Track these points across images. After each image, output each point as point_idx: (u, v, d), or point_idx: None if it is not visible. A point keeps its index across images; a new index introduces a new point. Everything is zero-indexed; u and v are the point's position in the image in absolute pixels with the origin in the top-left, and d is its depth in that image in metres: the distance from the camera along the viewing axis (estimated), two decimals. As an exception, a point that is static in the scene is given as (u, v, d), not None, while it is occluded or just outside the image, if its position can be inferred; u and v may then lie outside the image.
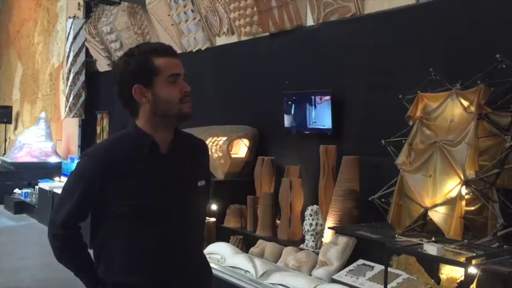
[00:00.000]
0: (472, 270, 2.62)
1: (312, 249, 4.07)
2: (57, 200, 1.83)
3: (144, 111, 1.78)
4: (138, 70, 1.74)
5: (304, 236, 4.21)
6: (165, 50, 1.78)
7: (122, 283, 1.77)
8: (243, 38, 5.96)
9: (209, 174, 2.09)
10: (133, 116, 1.81)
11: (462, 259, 2.66)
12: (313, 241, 4.11)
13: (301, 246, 4.18)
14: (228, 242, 4.60)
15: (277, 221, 4.72)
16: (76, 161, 8.64)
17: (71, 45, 9.76)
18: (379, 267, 3.42)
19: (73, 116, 10.00)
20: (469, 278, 2.63)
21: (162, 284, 1.78)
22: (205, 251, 2.09)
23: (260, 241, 4.52)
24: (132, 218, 1.75)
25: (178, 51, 6.56)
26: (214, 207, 5.01)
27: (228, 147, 5.36)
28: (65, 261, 1.81)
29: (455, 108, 3.35)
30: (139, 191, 1.74)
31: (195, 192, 1.87)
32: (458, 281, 2.84)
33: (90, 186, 1.73)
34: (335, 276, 3.57)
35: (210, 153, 2.16)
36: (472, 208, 3.18)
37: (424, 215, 3.29)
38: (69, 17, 10.04)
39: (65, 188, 1.82)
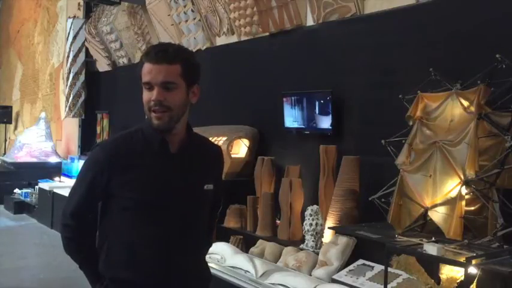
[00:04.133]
0: (472, 270, 2.62)
1: (312, 249, 4.07)
2: (70, 190, 1.88)
3: None
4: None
5: (304, 236, 4.21)
6: (149, 55, 1.75)
7: (119, 278, 1.79)
8: (243, 38, 5.96)
9: (220, 180, 2.07)
10: None
11: (462, 259, 2.66)
12: (313, 241, 4.11)
13: (301, 246, 4.19)
14: (228, 242, 4.60)
15: (277, 221, 4.72)
16: (76, 161, 8.66)
17: (71, 45, 9.77)
18: (379, 267, 3.42)
19: (73, 116, 10.01)
20: (469, 278, 2.63)
21: (157, 281, 1.80)
22: (207, 253, 2.09)
23: (260, 241, 4.52)
24: (132, 213, 1.78)
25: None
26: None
27: (228, 147, 5.35)
28: (71, 252, 1.85)
29: (455, 108, 3.35)
30: (142, 186, 1.77)
31: (199, 195, 1.88)
32: (458, 281, 2.84)
33: (99, 177, 1.77)
34: (335, 276, 3.57)
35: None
36: (472, 208, 3.17)
37: (424, 215, 3.29)
38: (69, 17, 10.04)
39: (77, 178, 1.87)
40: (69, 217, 1.81)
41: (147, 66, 1.74)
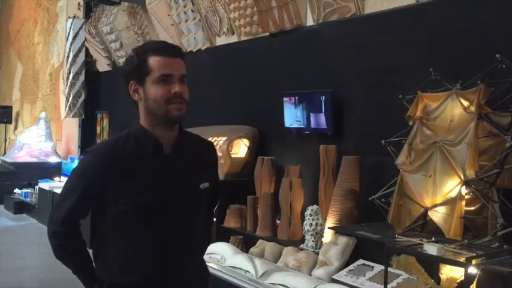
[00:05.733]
0: (472, 270, 2.62)
1: (312, 249, 4.07)
2: (59, 196, 1.83)
3: (141, 108, 1.81)
4: (134, 67, 1.77)
5: (304, 236, 4.21)
6: (162, 49, 1.76)
7: (118, 283, 1.77)
8: (243, 38, 5.96)
9: (216, 176, 2.06)
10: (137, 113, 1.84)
11: (462, 259, 2.66)
12: (313, 241, 4.10)
13: (301, 246, 4.18)
14: (228, 242, 4.60)
15: (277, 221, 4.72)
16: (76, 161, 8.65)
17: (71, 45, 9.76)
18: (379, 267, 3.42)
19: (73, 116, 10.00)
20: (469, 278, 2.63)
21: (158, 285, 1.78)
22: (206, 251, 2.08)
23: (260, 241, 4.52)
24: (130, 217, 1.75)
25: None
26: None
27: (228, 147, 5.36)
28: (63, 259, 1.82)
29: (455, 108, 3.35)
30: (139, 190, 1.74)
31: (196, 195, 1.86)
32: (458, 281, 2.84)
33: (92, 184, 1.74)
34: (335, 276, 3.57)
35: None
36: (472, 208, 3.17)
37: (424, 215, 3.29)
38: (69, 17, 10.04)
39: (66, 185, 1.82)
40: (59, 224, 1.77)
41: (162, 60, 1.73)
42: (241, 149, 5.55)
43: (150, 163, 1.78)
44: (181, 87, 1.74)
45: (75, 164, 8.52)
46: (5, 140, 12.98)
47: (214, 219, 4.93)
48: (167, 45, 1.81)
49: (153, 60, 1.73)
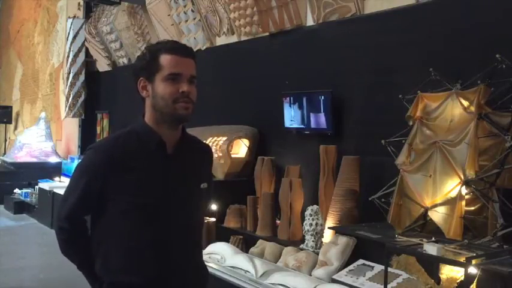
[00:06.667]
0: (472, 270, 2.62)
1: (312, 249, 4.07)
2: (64, 192, 1.86)
3: (147, 105, 1.81)
4: (145, 64, 1.78)
5: (304, 236, 4.21)
6: (174, 48, 1.77)
7: (118, 282, 1.77)
8: (243, 38, 5.96)
9: (211, 177, 2.10)
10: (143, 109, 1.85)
11: (462, 259, 2.66)
12: (313, 241, 4.10)
13: (301, 246, 4.18)
14: (228, 242, 4.59)
15: (277, 221, 4.72)
16: (76, 161, 8.66)
17: (71, 45, 9.77)
18: (379, 267, 3.42)
19: (73, 116, 10.01)
20: (469, 278, 2.63)
21: (157, 284, 1.78)
22: (205, 251, 2.10)
23: (260, 241, 4.52)
24: (131, 216, 1.75)
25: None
26: (214, 207, 5.00)
27: (228, 147, 5.35)
28: (69, 254, 1.83)
29: (455, 108, 3.35)
30: (141, 189, 1.75)
31: (197, 194, 1.88)
32: (458, 281, 2.84)
33: (94, 180, 1.74)
34: (335, 276, 3.57)
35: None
36: (472, 208, 3.17)
37: (424, 215, 3.29)
38: (69, 17, 10.05)
39: (70, 181, 1.84)
40: (64, 220, 1.79)
41: (173, 58, 1.74)
42: (241, 149, 5.55)
43: (152, 162, 1.78)
44: (189, 88, 1.75)
45: (75, 164, 8.54)
46: (5, 140, 12.98)
47: (214, 219, 4.96)
48: (179, 45, 1.82)
49: (164, 58, 1.74)
